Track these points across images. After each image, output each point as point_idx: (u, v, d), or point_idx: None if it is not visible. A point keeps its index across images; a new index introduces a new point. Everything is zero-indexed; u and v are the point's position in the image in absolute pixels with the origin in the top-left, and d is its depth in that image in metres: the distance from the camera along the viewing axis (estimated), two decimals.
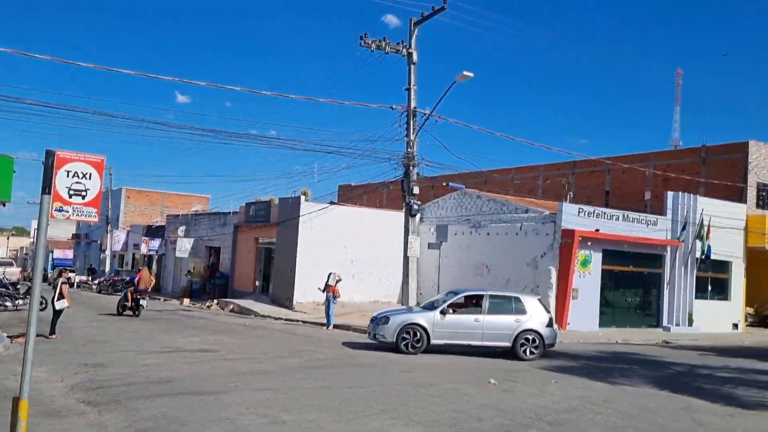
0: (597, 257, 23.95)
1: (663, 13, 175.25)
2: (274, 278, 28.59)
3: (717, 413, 10.28)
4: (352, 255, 27.09)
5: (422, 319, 15.02)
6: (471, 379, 11.83)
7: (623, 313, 25.34)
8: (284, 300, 26.08)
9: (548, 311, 15.62)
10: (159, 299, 32.51)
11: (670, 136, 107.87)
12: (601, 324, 24.00)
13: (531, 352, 14.92)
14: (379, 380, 11.29)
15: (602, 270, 24.17)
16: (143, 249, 39.26)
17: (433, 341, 14.91)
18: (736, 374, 14.92)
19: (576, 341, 20.23)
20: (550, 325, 15.34)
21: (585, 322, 23.32)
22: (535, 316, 15.17)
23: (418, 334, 14.83)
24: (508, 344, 14.97)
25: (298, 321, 22.51)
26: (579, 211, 23.86)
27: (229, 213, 32.57)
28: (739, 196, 28.88)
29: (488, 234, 26.64)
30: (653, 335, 23.63)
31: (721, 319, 27.31)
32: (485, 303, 15.25)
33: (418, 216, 21.03)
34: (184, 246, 33.80)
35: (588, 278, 23.73)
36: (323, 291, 21.24)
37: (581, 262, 23.48)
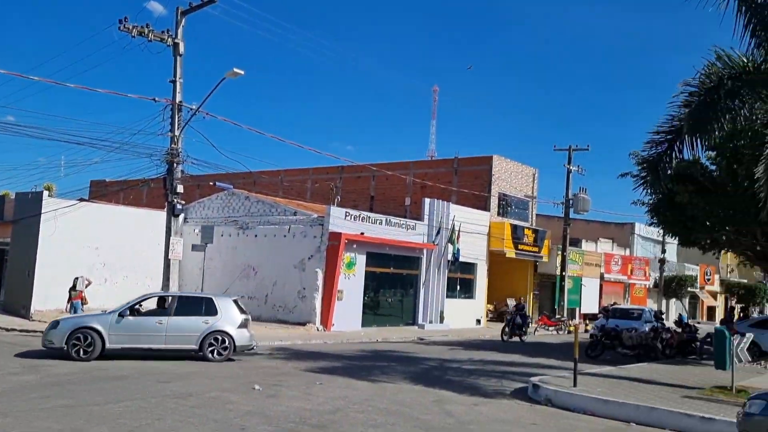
0: (361, 259, 24.88)
1: (423, 29, 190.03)
2: (7, 284, 25.04)
3: (464, 403, 11.15)
4: (105, 257, 24.72)
5: (96, 322, 14.14)
6: (235, 386, 11.38)
7: (384, 313, 26.69)
8: (20, 308, 22.87)
9: (244, 312, 15.34)
10: None
11: (427, 147, 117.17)
12: (364, 324, 24.97)
13: (218, 354, 14.56)
14: (134, 394, 10.30)
15: (366, 272, 25.18)
16: None
17: (109, 346, 14.03)
18: (479, 366, 16.44)
19: (340, 341, 20.73)
20: (244, 326, 15.00)
21: (349, 323, 24.06)
22: (226, 317, 14.81)
23: (90, 338, 13.90)
24: (194, 346, 14.52)
25: (36, 332, 19.78)
26: (346, 215, 24.58)
27: None
28: (484, 205, 32.18)
29: (256, 236, 26.25)
30: (410, 333, 25.18)
31: (467, 316, 30.11)
32: (173, 305, 14.85)
33: (181, 216, 19.87)
34: None
35: (353, 280, 24.52)
36: (69, 297, 19.06)
37: (347, 264, 24.18)
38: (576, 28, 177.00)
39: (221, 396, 10.42)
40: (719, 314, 55.39)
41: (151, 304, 15.59)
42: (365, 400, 10.70)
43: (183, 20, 19.30)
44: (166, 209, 19.15)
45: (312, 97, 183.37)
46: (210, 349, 14.55)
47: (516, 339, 24.42)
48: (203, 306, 14.98)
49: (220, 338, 14.64)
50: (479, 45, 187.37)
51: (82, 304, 19.25)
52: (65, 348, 13.75)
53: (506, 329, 24.67)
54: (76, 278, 19.76)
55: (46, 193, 23.40)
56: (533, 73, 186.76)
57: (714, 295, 56.09)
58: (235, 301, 15.49)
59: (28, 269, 22.76)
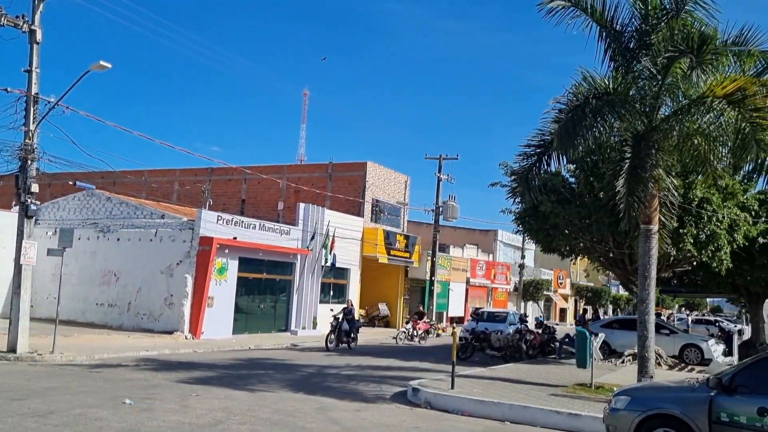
0: (233, 265, 24.14)
1: (295, 33, 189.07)
2: None
3: (347, 409, 11.12)
4: None
5: None
6: (103, 401, 10.55)
7: (256, 319, 26.03)
8: None
9: None
10: None
11: (297, 151, 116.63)
12: (235, 331, 24.23)
13: None
14: None
15: (238, 277, 24.46)
16: None
17: None
18: (357, 371, 16.49)
19: (211, 350, 19.96)
20: None
21: (219, 330, 23.23)
22: None
23: None
24: None
25: None
26: (218, 219, 23.77)
27: None
28: (358, 211, 32.45)
29: (118, 239, 24.69)
30: (282, 339, 24.77)
31: None
32: None
33: (33, 218, 18.19)
34: None
35: (224, 285, 23.73)
36: None
37: (218, 270, 23.37)
38: (447, 42, 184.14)
39: (88, 413, 9.62)
40: (570, 315, 59.78)
41: None
42: (246, 411, 10.35)
43: (41, 5, 17.72)
44: (18, 210, 17.46)
45: (176, 95, 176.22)
46: None
47: (344, 346, 22.31)
48: None
49: None
50: (352, 53, 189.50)
51: None
52: None
53: (331, 336, 22.05)
54: None
55: None
56: (406, 83, 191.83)
57: (565, 297, 60.47)
58: None
59: None
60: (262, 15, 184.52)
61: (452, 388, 12.27)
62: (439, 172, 35.35)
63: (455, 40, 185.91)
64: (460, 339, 21.80)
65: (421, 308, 30.48)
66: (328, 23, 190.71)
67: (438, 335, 31.90)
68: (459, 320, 39.58)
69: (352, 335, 22.71)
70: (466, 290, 42.24)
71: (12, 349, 15.91)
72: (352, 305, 23.86)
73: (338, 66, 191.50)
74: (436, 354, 21.39)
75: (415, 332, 26.45)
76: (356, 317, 23.48)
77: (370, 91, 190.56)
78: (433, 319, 34.58)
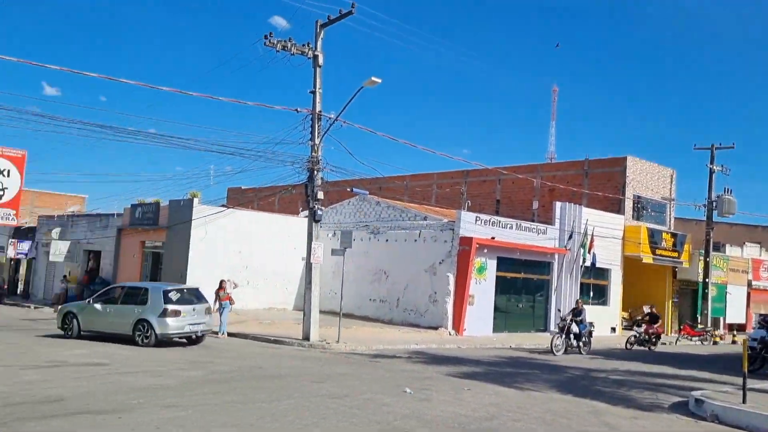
0: (492, 264, 24.64)
1: (539, 28, 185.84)
2: None
3: (621, 416, 10.71)
4: (247, 260, 26.21)
5: (75, 307, 17.53)
6: (385, 388, 11.62)
7: (514, 318, 26.24)
8: None
9: (173, 302, 16.24)
10: (29, 306, 29.82)
11: (546, 149, 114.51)
12: (495, 329, 24.72)
13: (143, 340, 16.03)
14: (292, 393, 10.80)
15: (496, 276, 24.90)
16: (10, 252, 35.82)
17: (83, 327, 17.00)
18: (626, 377, 15.74)
19: (474, 346, 20.64)
20: (165, 315, 15.97)
21: (480, 328, 23.92)
22: (152, 306, 16.11)
23: (70, 320, 17.21)
24: (128, 332, 16.22)
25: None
26: (476, 220, 24.46)
27: (113, 215, 30.42)
28: (618, 208, 30.86)
29: (387, 240, 26.71)
30: (542, 339, 24.53)
31: (600, 323, 28.75)
32: (120, 293, 17.08)
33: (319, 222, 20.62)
34: (59, 249, 31.10)
35: (483, 284, 24.35)
36: (216, 298, 20.16)
37: (478, 269, 24.04)
38: (715, 19, 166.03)
39: (375, 398, 10.67)
40: None
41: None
42: (518, 408, 10.57)
43: (322, 33, 20.01)
44: (307, 215, 19.92)
45: (423, 100, 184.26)
46: (138, 334, 16.14)
47: (574, 351, 20.35)
48: (140, 296, 16.64)
49: (143, 326, 16.06)
50: (599, 44, 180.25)
51: (230, 304, 20.35)
52: (59, 326, 17.33)
53: (557, 340, 20.00)
54: (222, 280, 20.92)
55: (196, 200, 25.04)
56: (663, 71, 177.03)
57: None
58: (167, 292, 16.49)
59: (180, 271, 24.51)
60: (502, 14, 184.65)
61: (744, 402, 11.11)
62: (712, 163, 32.05)
63: (722, 19, 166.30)
64: (747, 349, 19.55)
65: (654, 310, 27.51)
66: (573, 16, 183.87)
67: (714, 343, 29.04)
68: (739, 327, 35.50)
69: (584, 339, 20.75)
70: (748, 294, 37.54)
71: (306, 337, 18.24)
72: (582, 306, 21.74)
73: (586, 58, 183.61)
74: (716, 363, 19.49)
75: (646, 337, 24.19)
76: (586, 319, 21.24)
77: (622, 82, 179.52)
78: (708, 325, 31.45)
